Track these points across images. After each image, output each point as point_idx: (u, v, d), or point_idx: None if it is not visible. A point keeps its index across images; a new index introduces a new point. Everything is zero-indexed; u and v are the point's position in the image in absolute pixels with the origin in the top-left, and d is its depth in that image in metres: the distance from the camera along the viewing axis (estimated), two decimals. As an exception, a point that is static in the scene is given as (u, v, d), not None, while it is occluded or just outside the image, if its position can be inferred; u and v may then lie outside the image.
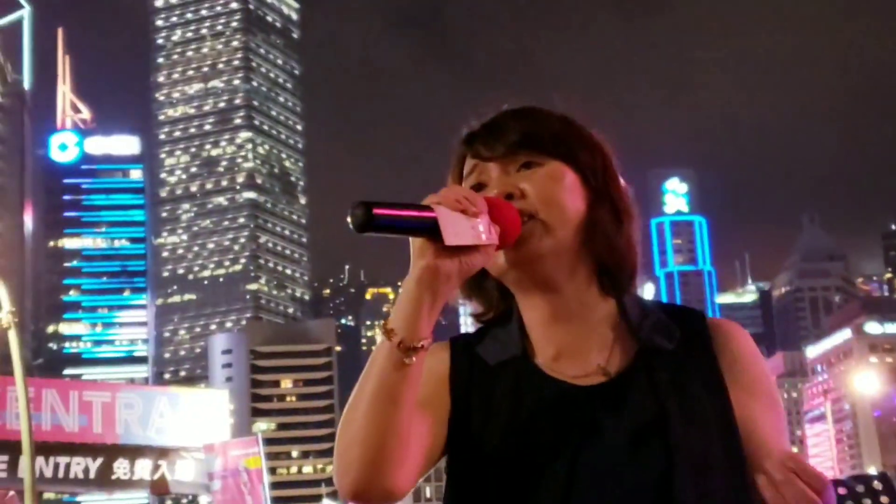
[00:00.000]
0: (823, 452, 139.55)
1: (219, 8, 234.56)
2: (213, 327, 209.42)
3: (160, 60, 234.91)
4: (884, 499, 5.98)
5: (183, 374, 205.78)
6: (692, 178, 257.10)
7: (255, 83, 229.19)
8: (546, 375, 1.94)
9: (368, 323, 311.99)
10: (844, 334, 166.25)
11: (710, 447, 1.86)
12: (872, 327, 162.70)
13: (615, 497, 1.83)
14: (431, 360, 1.90)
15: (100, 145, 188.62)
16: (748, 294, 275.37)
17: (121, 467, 22.39)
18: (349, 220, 1.71)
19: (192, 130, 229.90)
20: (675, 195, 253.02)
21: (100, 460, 22.22)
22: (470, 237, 1.77)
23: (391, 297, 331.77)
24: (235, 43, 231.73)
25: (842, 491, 6.26)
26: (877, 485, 6.14)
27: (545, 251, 1.91)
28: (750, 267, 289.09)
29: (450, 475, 1.95)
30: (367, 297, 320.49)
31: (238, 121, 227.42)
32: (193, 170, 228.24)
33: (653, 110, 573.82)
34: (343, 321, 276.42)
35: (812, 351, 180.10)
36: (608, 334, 1.98)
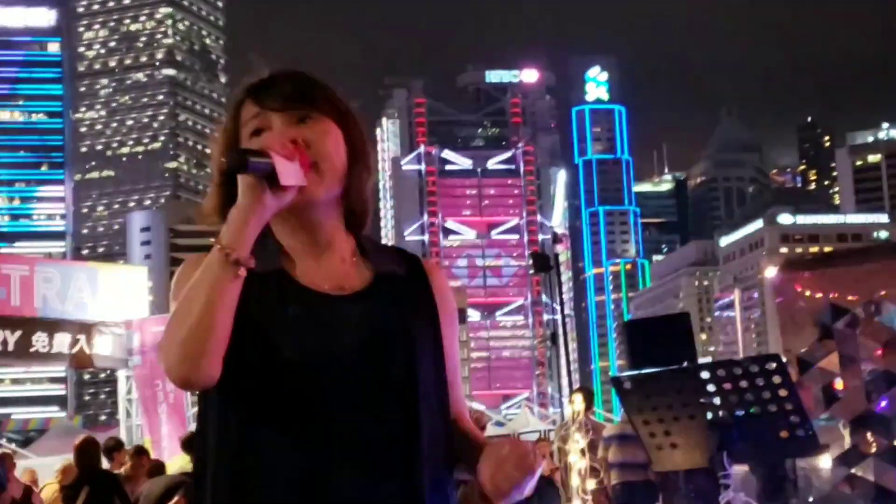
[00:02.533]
0: (731, 339, 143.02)
1: None
2: (131, 205, 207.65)
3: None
4: (776, 378, 6.52)
5: (101, 250, 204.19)
6: (613, 67, 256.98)
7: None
8: (303, 286, 2.34)
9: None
10: (756, 224, 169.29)
11: (433, 357, 2.38)
12: (785, 218, 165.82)
13: (366, 386, 2.28)
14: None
15: (17, 17, 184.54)
16: (664, 183, 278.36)
17: (39, 340, 22.49)
18: (225, 161, 2.22)
19: (111, 4, 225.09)
20: (596, 84, 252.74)
21: (18, 333, 22.29)
22: (294, 180, 2.21)
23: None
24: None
25: (737, 370, 6.79)
26: (770, 365, 6.67)
27: (320, 197, 2.32)
28: (667, 157, 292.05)
29: (230, 364, 2.22)
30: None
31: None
32: (112, 44, 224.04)
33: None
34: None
35: (724, 240, 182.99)
36: (349, 262, 2.41)
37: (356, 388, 2.27)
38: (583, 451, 11.84)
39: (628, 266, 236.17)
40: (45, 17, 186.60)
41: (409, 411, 2.30)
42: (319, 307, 2.32)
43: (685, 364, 8.17)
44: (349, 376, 2.27)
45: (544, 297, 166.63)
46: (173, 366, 2.17)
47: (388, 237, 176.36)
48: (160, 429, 22.27)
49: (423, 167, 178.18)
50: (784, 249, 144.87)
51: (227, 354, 2.21)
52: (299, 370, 2.25)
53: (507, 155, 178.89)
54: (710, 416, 6.58)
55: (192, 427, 21.49)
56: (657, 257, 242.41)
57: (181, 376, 2.18)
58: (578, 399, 12.36)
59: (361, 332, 2.31)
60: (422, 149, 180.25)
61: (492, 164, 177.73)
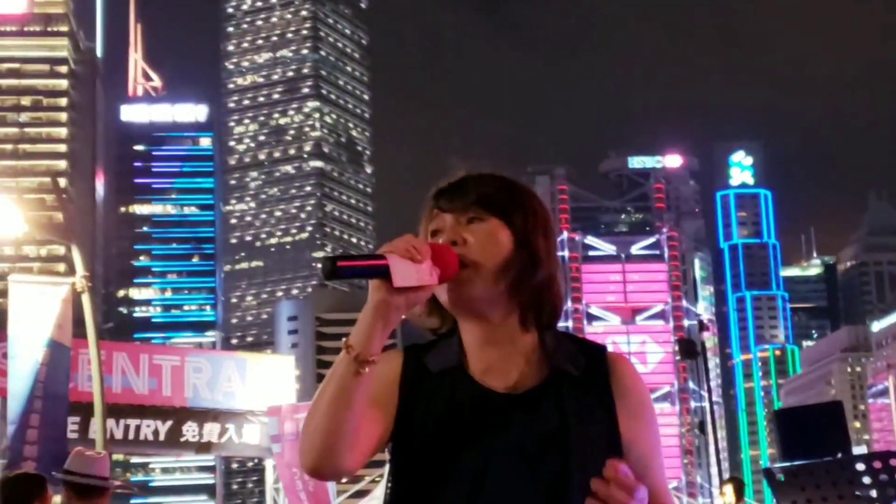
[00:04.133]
0: (886, 427, 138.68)
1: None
2: (279, 294, 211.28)
3: (230, 29, 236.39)
4: (937, 472, 6.27)
5: (250, 339, 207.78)
6: (758, 151, 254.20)
7: (323, 53, 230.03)
8: (476, 383, 2.48)
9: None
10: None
11: (600, 459, 2.30)
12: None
13: (519, 488, 2.38)
14: (387, 365, 2.48)
15: (170, 113, 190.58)
16: (813, 268, 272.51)
17: (189, 430, 22.86)
18: (321, 268, 2.35)
19: (261, 99, 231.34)
20: (741, 168, 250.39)
21: (169, 423, 22.65)
22: (414, 280, 2.32)
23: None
24: (304, 12, 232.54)
25: (893, 462, 6.56)
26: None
27: (476, 293, 2.45)
28: (815, 240, 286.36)
29: (394, 460, 2.50)
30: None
31: (306, 90, 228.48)
32: (262, 138, 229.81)
33: (720, 81, 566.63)
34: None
35: (877, 325, 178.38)
36: (528, 358, 2.50)
37: (509, 490, 2.38)
38: (734, 546, 11.51)
39: (777, 352, 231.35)
40: (197, 112, 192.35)
41: None
42: (486, 406, 2.44)
43: (839, 455, 7.93)
44: (503, 478, 2.38)
45: (691, 384, 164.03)
46: (303, 455, 2.37)
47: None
48: (305, 516, 22.29)
49: (566, 253, 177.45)
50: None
51: (400, 448, 2.47)
52: (456, 469, 2.40)
53: (652, 240, 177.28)
54: (866, 509, 6.34)
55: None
56: (807, 343, 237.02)
57: (307, 466, 2.37)
58: (729, 490, 12.06)
59: (520, 435, 2.41)
60: (565, 235, 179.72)
61: (635, 249, 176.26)
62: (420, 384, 2.49)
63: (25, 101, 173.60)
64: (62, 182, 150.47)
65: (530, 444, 2.40)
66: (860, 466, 6.80)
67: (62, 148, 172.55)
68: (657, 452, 2.59)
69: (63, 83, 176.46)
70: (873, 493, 6.73)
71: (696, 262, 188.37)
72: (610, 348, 2.63)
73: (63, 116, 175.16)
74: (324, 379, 2.39)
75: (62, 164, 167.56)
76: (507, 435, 2.41)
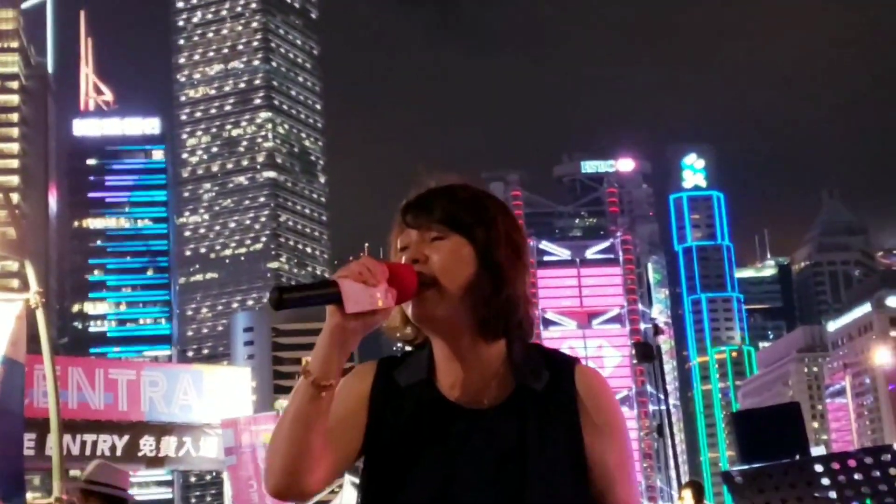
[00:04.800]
0: (844, 426, 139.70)
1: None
2: (234, 305, 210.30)
3: (181, 42, 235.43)
4: (892, 470, 6.28)
5: (206, 352, 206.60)
6: (710, 154, 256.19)
7: (274, 64, 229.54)
8: (442, 397, 2.47)
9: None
10: (864, 308, 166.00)
11: (559, 475, 2.39)
12: (893, 301, 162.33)
13: (480, 501, 2.38)
14: (358, 379, 2.52)
15: (122, 126, 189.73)
16: (767, 269, 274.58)
17: (146, 444, 22.73)
18: (268, 300, 2.31)
19: (213, 111, 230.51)
20: (693, 171, 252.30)
21: (126, 437, 22.52)
22: (367, 304, 2.29)
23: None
24: (255, 24, 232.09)
25: (851, 462, 6.58)
26: (885, 457, 6.45)
27: (438, 311, 2.42)
28: (769, 241, 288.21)
29: (365, 475, 2.50)
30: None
31: (258, 101, 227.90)
32: (214, 150, 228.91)
33: (672, 85, 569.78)
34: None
35: (832, 325, 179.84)
36: (494, 373, 2.47)
37: (472, 500, 2.38)
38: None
39: (734, 353, 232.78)
40: (149, 126, 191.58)
41: None
42: (449, 421, 2.45)
43: (797, 457, 7.94)
44: (463, 495, 2.38)
45: (649, 388, 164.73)
46: (266, 480, 2.38)
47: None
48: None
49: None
50: (894, 333, 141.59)
51: (369, 461, 2.48)
52: (418, 484, 2.41)
53: (606, 244, 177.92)
54: (825, 509, 6.35)
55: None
56: (763, 344, 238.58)
57: (271, 489, 2.38)
58: (688, 495, 12.06)
59: (480, 451, 2.41)
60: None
61: (590, 253, 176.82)
62: (389, 398, 2.48)
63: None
64: (15, 197, 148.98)
65: (490, 461, 2.40)
66: (819, 468, 6.82)
67: (14, 163, 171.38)
68: (625, 468, 2.50)
69: (14, 98, 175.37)
70: (832, 495, 6.75)
71: (651, 266, 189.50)
72: (567, 353, 2.73)
73: (15, 132, 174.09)
74: (289, 395, 2.40)
75: (14, 179, 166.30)
76: (467, 451, 2.41)
